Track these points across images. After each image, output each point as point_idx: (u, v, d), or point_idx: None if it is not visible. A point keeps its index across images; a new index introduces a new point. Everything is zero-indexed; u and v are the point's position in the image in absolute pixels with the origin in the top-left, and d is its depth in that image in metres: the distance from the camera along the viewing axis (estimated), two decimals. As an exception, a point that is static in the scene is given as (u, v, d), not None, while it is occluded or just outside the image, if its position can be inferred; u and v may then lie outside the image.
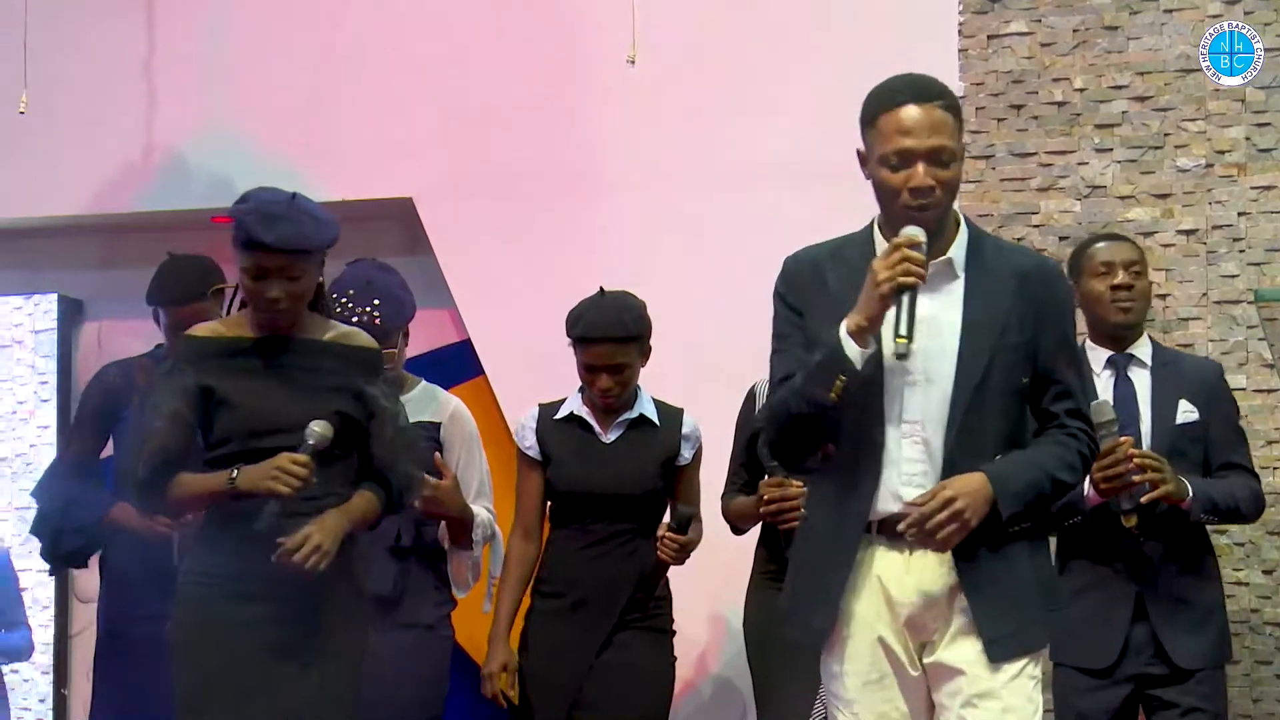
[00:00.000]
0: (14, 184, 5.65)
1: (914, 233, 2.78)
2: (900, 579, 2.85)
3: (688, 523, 3.86)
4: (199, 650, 3.27)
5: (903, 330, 2.72)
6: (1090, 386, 3.74)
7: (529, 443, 4.01)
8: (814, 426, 2.86)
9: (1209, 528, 3.90)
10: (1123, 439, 3.62)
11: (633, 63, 4.80)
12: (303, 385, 3.30)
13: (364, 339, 3.44)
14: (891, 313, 2.76)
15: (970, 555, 2.82)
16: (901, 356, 2.75)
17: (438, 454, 3.89)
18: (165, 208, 5.54)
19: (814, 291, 2.91)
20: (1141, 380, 3.88)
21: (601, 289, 4.00)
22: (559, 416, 4.01)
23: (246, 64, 5.50)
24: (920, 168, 2.81)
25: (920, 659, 2.88)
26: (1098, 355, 3.91)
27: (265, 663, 3.23)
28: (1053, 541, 3.97)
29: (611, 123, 5.17)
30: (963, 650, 2.84)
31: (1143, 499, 3.64)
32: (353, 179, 5.32)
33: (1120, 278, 3.85)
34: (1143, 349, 3.91)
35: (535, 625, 3.97)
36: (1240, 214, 4.64)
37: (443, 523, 3.94)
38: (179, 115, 5.56)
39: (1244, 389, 4.53)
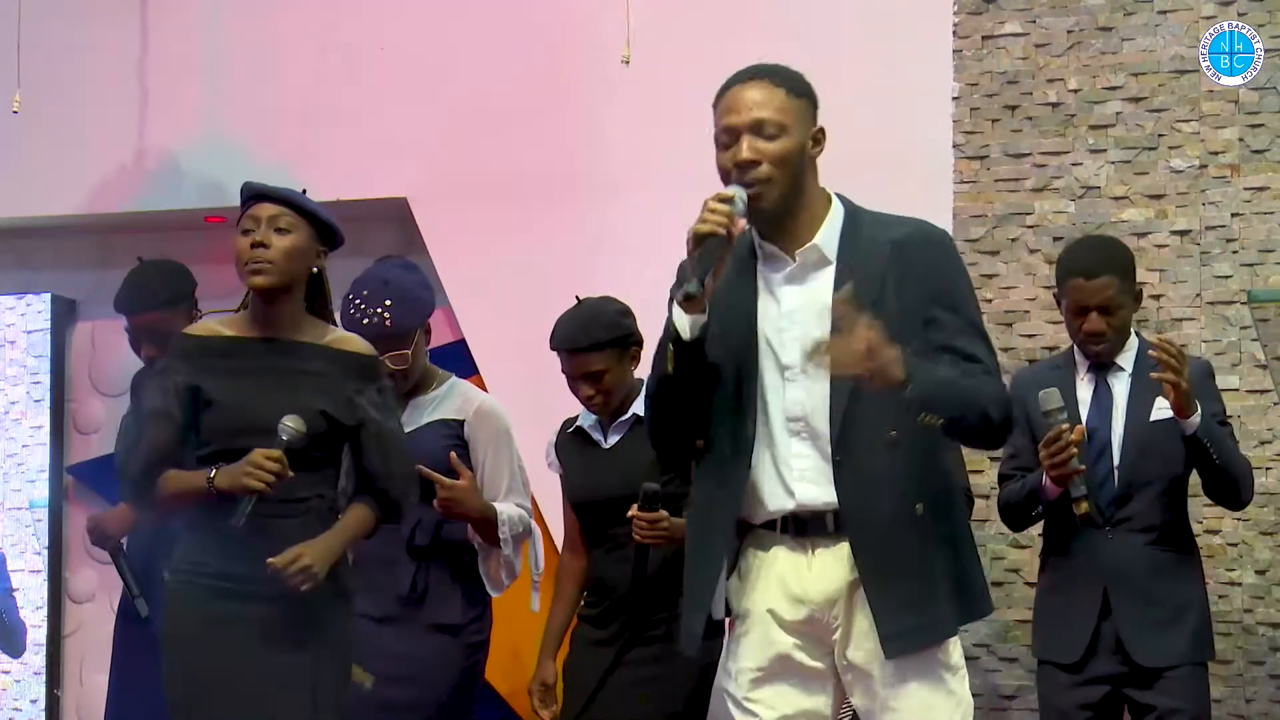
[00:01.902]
0: (7, 184, 5.64)
1: (728, 190, 2.76)
2: (801, 576, 2.80)
3: (655, 499, 3.72)
4: (185, 643, 3.29)
5: (695, 274, 2.68)
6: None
7: (550, 459, 4.04)
8: (666, 408, 2.82)
9: (1198, 527, 3.90)
10: (1065, 425, 3.64)
11: (627, 63, 4.80)
12: (289, 386, 3.30)
13: (359, 345, 3.44)
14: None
15: (870, 550, 2.75)
16: (690, 296, 2.69)
17: (453, 454, 3.85)
18: (159, 208, 5.53)
19: None
20: (1120, 383, 3.89)
21: (578, 298, 3.99)
22: (570, 430, 4.02)
23: (241, 65, 5.49)
24: (744, 140, 2.79)
25: (834, 657, 2.82)
26: (1082, 358, 3.93)
27: (250, 657, 3.24)
28: (1040, 539, 4.02)
29: (606, 123, 5.17)
30: (866, 650, 2.78)
31: (1080, 468, 3.62)
32: (347, 179, 5.31)
33: (1092, 323, 3.83)
34: (1126, 356, 3.91)
35: (575, 633, 3.99)
36: (1234, 215, 4.65)
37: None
38: (173, 116, 5.55)
39: (1237, 389, 4.54)
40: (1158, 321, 4.64)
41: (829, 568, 2.80)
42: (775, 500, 2.81)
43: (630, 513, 3.73)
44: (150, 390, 3.40)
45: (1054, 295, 4.03)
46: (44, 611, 5.72)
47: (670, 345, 2.74)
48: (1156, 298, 4.64)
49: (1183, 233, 4.68)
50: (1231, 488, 3.85)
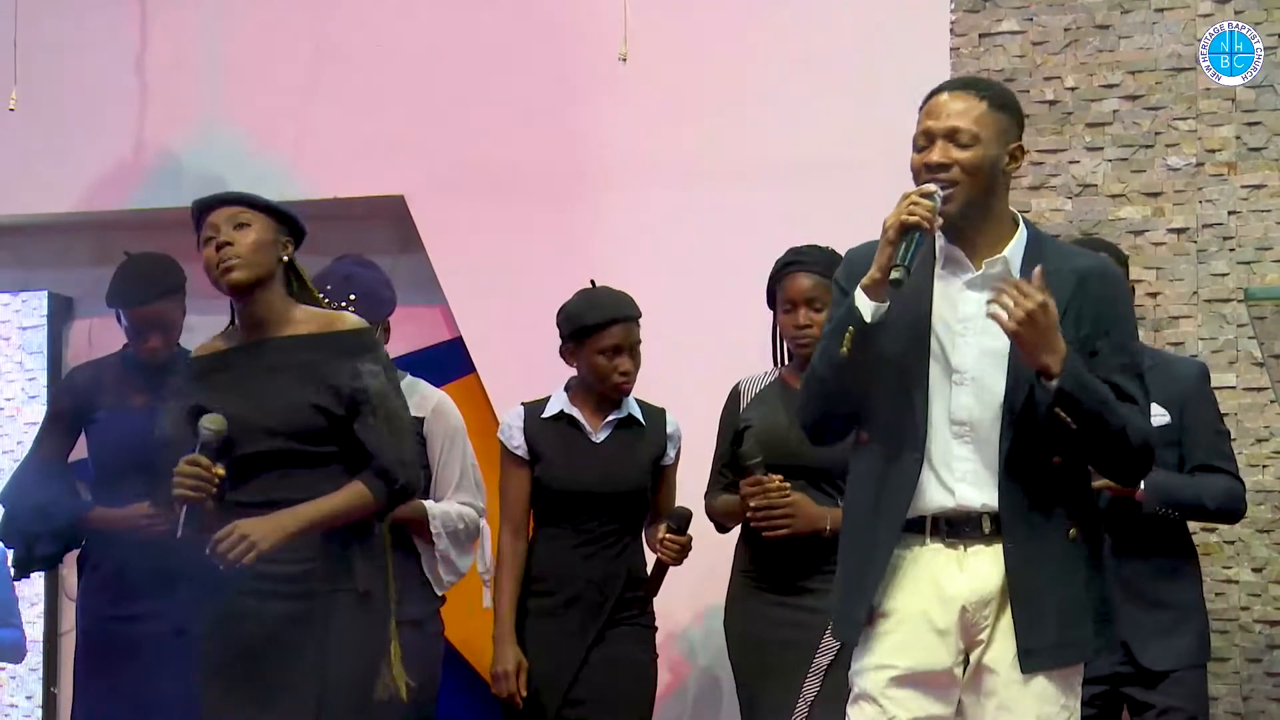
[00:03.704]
0: (4, 181, 5.64)
1: (928, 186, 2.81)
2: (954, 576, 2.85)
3: (686, 523, 3.88)
4: (213, 646, 3.33)
5: (900, 260, 2.73)
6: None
7: (516, 442, 4.00)
8: (833, 391, 2.87)
9: (1196, 526, 3.91)
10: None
11: (624, 60, 4.80)
12: (283, 384, 3.31)
13: (349, 320, 3.43)
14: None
15: (1024, 559, 2.81)
16: (896, 283, 2.74)
17: None
18: (156, 205, 5.52)
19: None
20: None
21: (592, 282, 4.03)
22: (546, 415, 4.00)
23: (238, 61, 5.49)
24: (938, 144, 2.85)
25: (966, 659, 2.86)
26: None
27: (261, 655, 3.24)
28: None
29: (603, 120, 5.17)
30: (1002, 652, 2.83)
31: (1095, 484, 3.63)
32: (344, 176, 5.32)
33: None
34: None
35: (528, 624, 3.96)
36: (1230, 213, 4.65)
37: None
38: (170, 113, 5.55)
39: (1234, 387, 4.54)
40: (1155, 320, 4.64)
41: (983, 569, 2.84)
42: (935, 498, 2.85)
43: (661, 535, 3.86)
44: (165, 419, 3.44)
45: None
46: (40, 609, 5.72)
47: (850, 329, 2.78)
48: (1153, 295, 4.64)
49: (1180, 230, 4.69)
50: (1213, 518, 3.92)
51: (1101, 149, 4.77)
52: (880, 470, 2.89)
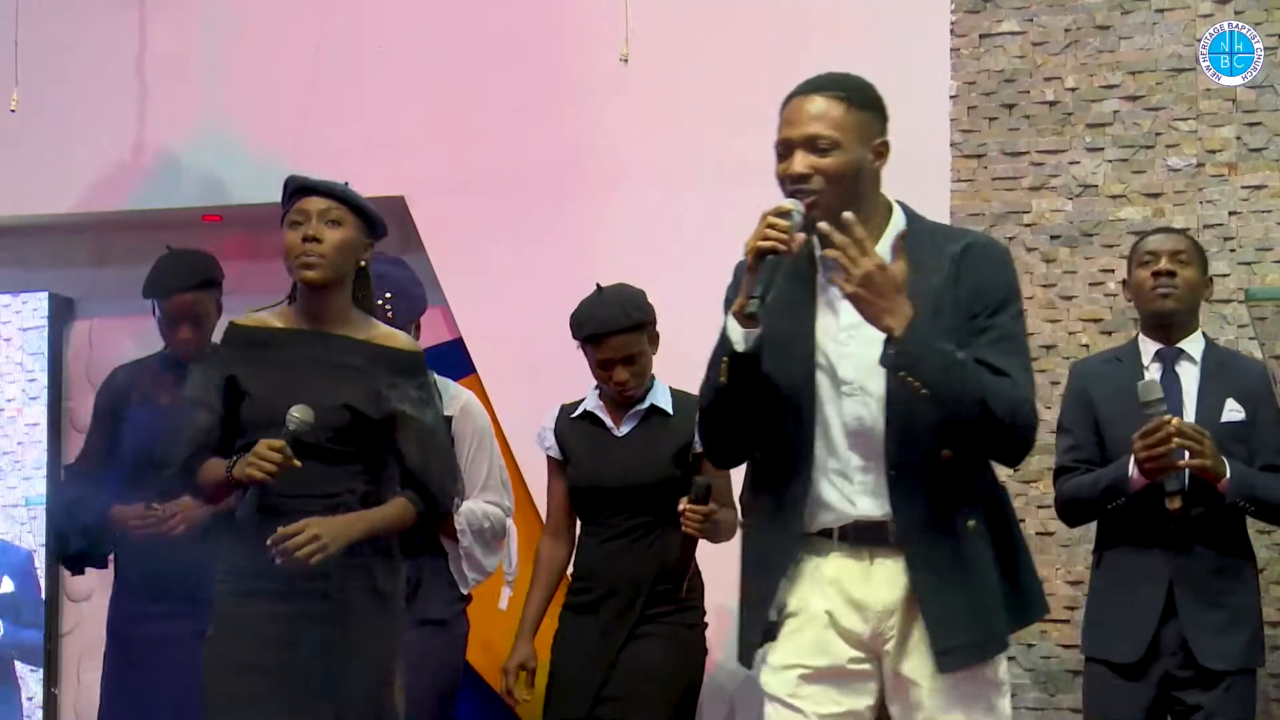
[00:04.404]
0: (4, 182, 5.63)
1: (786, 203, 2.74)
2: (860, 584, 2.80)
3: (706, 492, 3.76)
4: (222, 648, 3.30)
5: (754, 292, 2.66)
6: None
7: (549, 443, 4.05)
8: (722, 419, 2.83)
9: (1250, 531, 3.87)
10: (1165, 417, 3.60)
11: (626, 61, 4.80)
12: (318, 378, 3.29)
13: (403, 341, 3.43)
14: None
15: (925, 561, 2.76)
16: (750, 316, 2.68)
17: None
18: (157, 206, 5.53)
19: None
20: (1189, 376, 3.86)
21: (598, 286, 4.01)
22: (575, 415, 4.04)
23: (238, 62, 5.49)
24: (797, 154, 2.77)
25: (881, 667, 2.82)
26: (1147, 348, 3.91)
27: (280, 656, 3.24)
28: (1091, 531, 3.99)
29: (604, 121, 5.17)
30: (920, 662, 2.78)
31: (1179, 462, 3.61)
32: (344, 177, 5.15)
33: (1162, 264, 3.85)
34: (1194, 344, 3.90)
35: (563, 622, 3.99)
36: (1231, 213, 4.65)
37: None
38: (170, 113, 5.55)
39: (1234, 388, 4.54)
40: (1155, 320, 4.64)
41: (890, 577, 2.80)
42: (835, 510, 2.81)
43: (682, 505, 3.76)
44: (195, 379, 3.44)
45: (1122, 283, 4.10)
46: (41, 609, 5.72)
47: (726, 358, 2.74)
48: (1154, 296, 4.64)
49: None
50: (1278, 517, 3.88)
51: (1102, 149, 4.77)
52: (777, 488, 2.84)
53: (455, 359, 5.22)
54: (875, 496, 2.78)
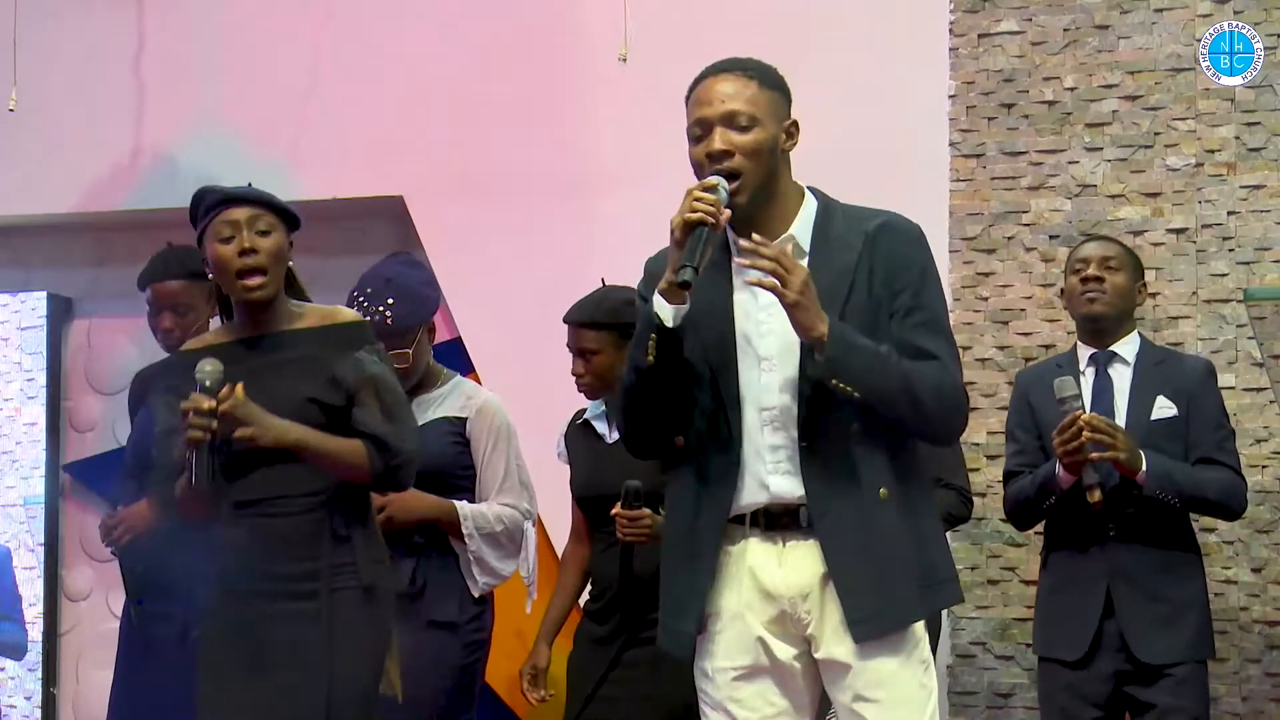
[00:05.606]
0: (3, 182, 5.64)
1: (710, 179, 2.75)
2: (773, 571, 2.78)
3: (635, 496, 3.69)
4: (207, 646, 3.30)
5: (687, 260, 2.66)
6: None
7: (560, 449, 4.05)
8: (643, 402, 2.81)
9: (1195, 526, 3.92)
10: (1077, 412, 3.68)
11: (624, 60, 4.80)
12: (279, 379, 3.27)
13: (346, 314, 3.42)
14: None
15: (837, 535, 2.73)
16: (684, 285, 2.67)
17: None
18: (155, 206, 5.52)
19: None
20: (1122, 377, 3.91)
21: (603, 281, 4.01)
22: (578, 423, 4.03)
23: (237, 62, 5.49)
24: (716, 131, 2.79)
25: (809, 652, 2.79)
26: (1083, 353, 3.97)
27: (265, 657, 3.23)
28: (1036, 537, 4.02)
29: (603, 121, 5.17)
30: (841, 642, 2.75)
31: (1091, 455, 3.66)
32: (343, 177, 5.32)
33: (1090, 271, 3.92)
34: (1127, 346, 3.94)
35: (579, 628, 3.99)
36: (1230, 213, 4.65)
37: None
38: (169, 113, 5.55)
39: (1233, 387, 4.54)
40: (1154, 320, 4.64)
41: (801, 561, 2.77)
42: (752, 493, 2.78)
43: (613, 511, 3.71)
44: (159, 411, 3.39)
45: (1060, 291, 4.10)
46: (39, 608, 5.72)
47: (652, 335, 2.72)
48: (1153, 296, 4.64)
49: (1179, 231, 4.69)
50: (1213, 510, 3.94)
51: (1101, 149, 4.77)
52: (700, 472, 2.82)
53: (453, 358, 5.22)
54: (790, 477, 2.76)
